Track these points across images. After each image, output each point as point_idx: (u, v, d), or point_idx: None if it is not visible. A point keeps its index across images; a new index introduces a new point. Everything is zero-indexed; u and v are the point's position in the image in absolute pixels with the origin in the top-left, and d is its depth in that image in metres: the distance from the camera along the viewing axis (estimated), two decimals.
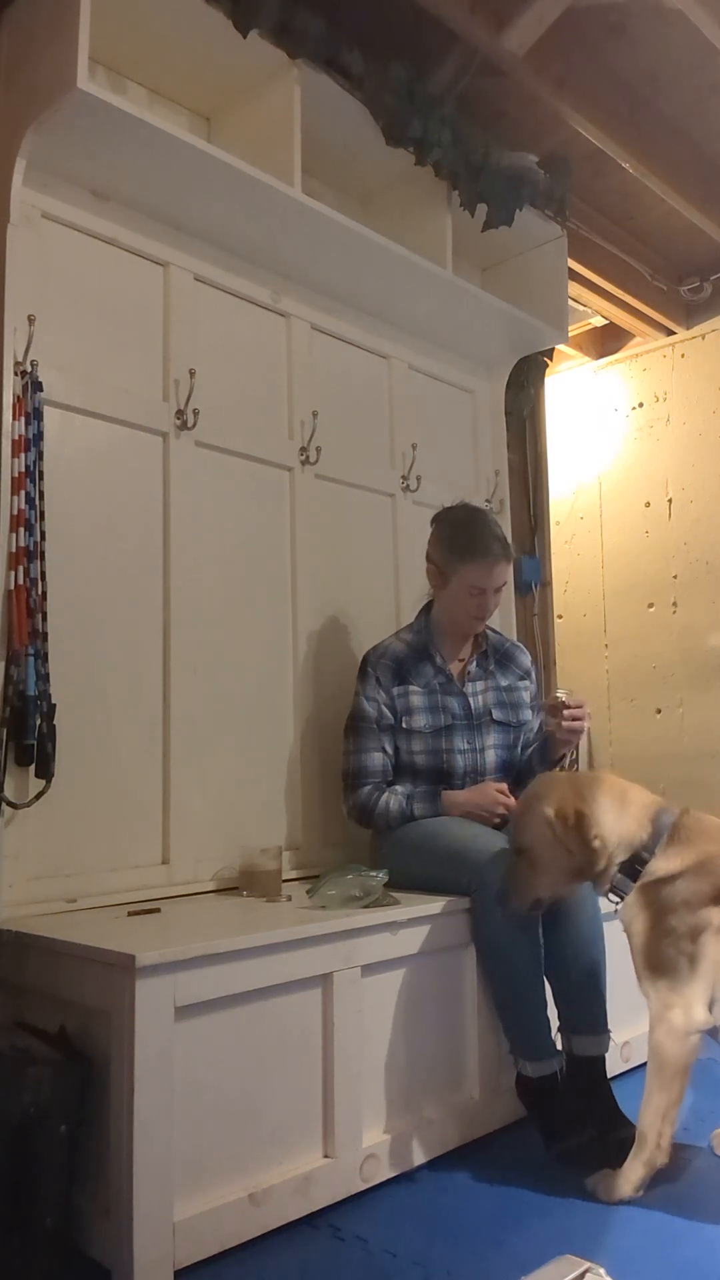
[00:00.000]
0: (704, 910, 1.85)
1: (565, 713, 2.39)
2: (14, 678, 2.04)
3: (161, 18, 2.33)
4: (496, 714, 2.59)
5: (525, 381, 3.61)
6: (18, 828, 2.07)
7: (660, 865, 1.91)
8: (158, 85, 2.55)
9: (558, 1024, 2.19)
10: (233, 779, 2.53)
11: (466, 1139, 2.16)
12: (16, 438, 2.09)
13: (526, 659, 2.75)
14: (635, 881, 1.92)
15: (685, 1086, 1.86)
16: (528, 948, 2.14)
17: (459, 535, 2.56)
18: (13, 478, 2.08)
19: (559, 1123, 2.09)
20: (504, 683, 2.65)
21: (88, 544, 2.30)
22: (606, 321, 4.38)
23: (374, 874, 2.17)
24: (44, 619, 2.12)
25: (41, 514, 2.14)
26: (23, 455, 2.10)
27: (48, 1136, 1.64)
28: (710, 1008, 1.84)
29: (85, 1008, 1.76)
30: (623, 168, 3.32)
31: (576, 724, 2.40)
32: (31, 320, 2.16)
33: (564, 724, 2.39)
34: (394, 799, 2.47)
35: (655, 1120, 1.85)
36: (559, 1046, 2.17)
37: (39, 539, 2.12)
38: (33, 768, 2.08)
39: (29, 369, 2.14)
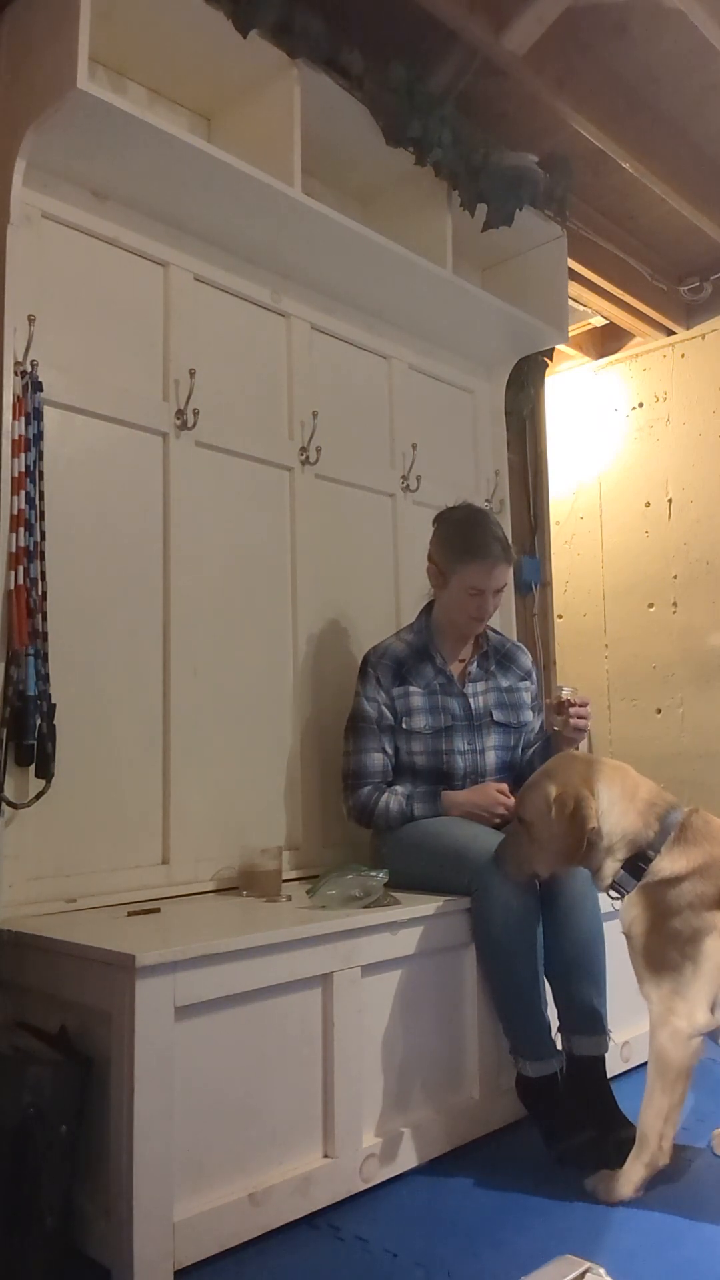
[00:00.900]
0: (709, 914, 1.84)
1: (570, 710, 2.38)
2: (14, 678, 2.04)
3: (161, 18, 2.33)
4: (497, 715, 2.59)
5: (525, 381, 3.61)
6: (18, 828, 2.07)
7: (665, 865, 1.89)
8: (158, 85, 2.55)
9: (558, 1024, 2.18)
10: (233, 779, 2.53)
11: (466, 1139, 2.16)
12: (16, 438, 2.09)
13: (527, 659, 2.75)
14: (638, 880, 1.91)
15: (687, 1089, 1.86)
16: (528, 948, 2.14)
17: (460, 535, 2.56)
18: (13, 478, 2.08)
19: (559, 1123, 2.09)
20: (504, 683, 2.64)
21: (88, 544, 2.30)
22: (606, 321, 4.38)
23: (374, 874, 2.17)
24: (44, 619, 2.12)
25: (42, 514, 2.14)
26: (23, 455, 2.10)
27: (48, 1136, 1.64)
28: (712, 1010, 1.84)
29: (85, 1008, 1.76)
30: (623, 167, 3.32)
31: (582, 721, 2.39)
32: (31, 320, 2.16)
33: (570, 721, 2.38)
34: (394, 799, 2.47)
35: (657, 1122, 1.84)
36: (559, 1046, 2.17)
37: (39, 539, 2.12)
38: (33, 768, 2.08)
39: (29, 369, 2.14)
